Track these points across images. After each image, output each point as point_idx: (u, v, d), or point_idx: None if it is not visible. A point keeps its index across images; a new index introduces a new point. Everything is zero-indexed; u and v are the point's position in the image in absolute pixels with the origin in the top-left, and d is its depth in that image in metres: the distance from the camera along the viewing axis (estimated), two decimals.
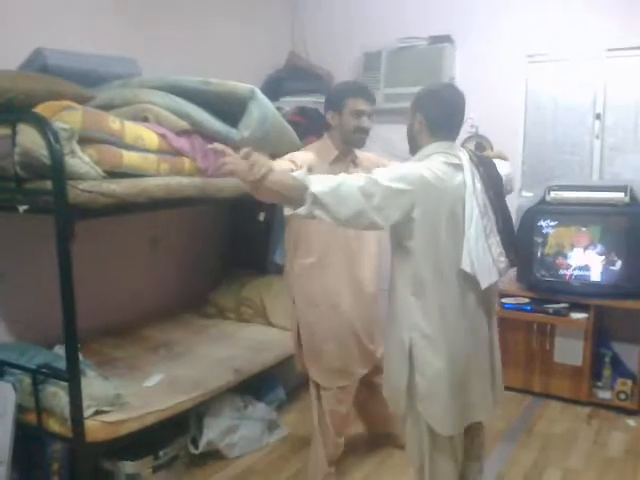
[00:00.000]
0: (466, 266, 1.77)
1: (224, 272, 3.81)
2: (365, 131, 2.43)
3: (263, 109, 2.72)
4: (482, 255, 1.79)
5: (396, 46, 4.01)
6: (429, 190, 1.76)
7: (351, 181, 1.73)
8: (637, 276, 3.27)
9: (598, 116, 3.61)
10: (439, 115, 1.88)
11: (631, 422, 3.22)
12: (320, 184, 1.69)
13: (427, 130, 1.89)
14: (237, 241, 3.92)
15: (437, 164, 1.82)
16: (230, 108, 2.67)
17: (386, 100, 3.94)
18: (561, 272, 3.44)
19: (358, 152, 2.55)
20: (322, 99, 4.04)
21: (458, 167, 1.83)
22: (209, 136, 2.60)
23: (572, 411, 3.32)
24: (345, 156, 2.47)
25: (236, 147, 2.70)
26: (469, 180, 1.80)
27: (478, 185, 1.83)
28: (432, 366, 1.82)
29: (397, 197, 1.72)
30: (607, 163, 3.65)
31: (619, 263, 3.30)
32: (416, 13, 4.01)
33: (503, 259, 1.85)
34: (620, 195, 3.33)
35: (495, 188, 1.89)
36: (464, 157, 1.85)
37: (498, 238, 1.84)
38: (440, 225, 1.79)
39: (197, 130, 2.56)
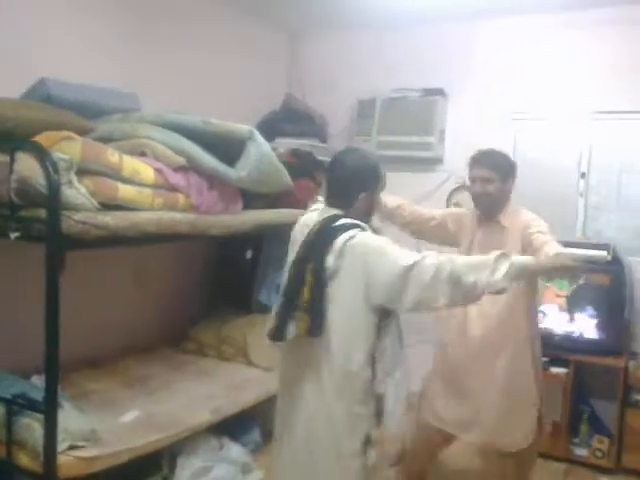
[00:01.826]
0: None
1: (207, 308, 3.78)
2: (478, 195, 2.51)
3: (260, 150, 2.78)
4: None
5: (390, 96, 4.12)
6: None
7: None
8: (617, 333, 3.33)
9: (583, 175, 3.73)
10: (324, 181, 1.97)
11: None
12: None
13: None
14: (222, 277, 3.89)
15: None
16: (228, 147, 2.72)
17: (379, 147, 4.02)
18: (542, 326, 3.47)
19: (513, 216, 2.51)
20: (315, 142, 4.16)
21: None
22: (206, 173, 2.64)
23: (549, 467, 3.29)
24: (487, 220, 2.54)
25: (233, 184, 2.79)
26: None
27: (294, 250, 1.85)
28: None
29: None
30: (590, 221, 3.76)
31: (600, 320, 3.35)
32: (411, 65, 4.13)
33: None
34: (603, 253, 3.39)
35: (305, 257, 1.77)
36: (308, 223, 1.87)
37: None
38: None
39: (193, 167, 2.59)
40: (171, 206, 2.48)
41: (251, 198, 3.03)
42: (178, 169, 2.52)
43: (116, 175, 2.26)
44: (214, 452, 2.80)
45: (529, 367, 2.48)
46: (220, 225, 2.67)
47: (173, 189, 2.50)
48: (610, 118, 3.66)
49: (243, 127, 2.69)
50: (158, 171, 2.45)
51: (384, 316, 1.77)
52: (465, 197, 3.99)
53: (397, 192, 3.90)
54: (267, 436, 3.27)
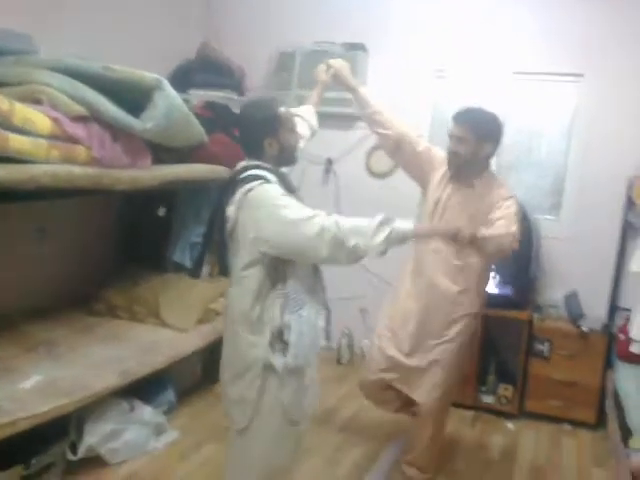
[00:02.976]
0: None
1: (118, 268, 3.61)
2: (449, 153, 2.44)
3: (169, 100, 2.62)
4: None
5: (311, 49, 4.01)
6: None
7: None
8: (523, 288, 3.50)
9: None
10: None
11: (510, 425, 3.42)
12: None
13: None
14: (134, 235, 3.72)
15: None
16: (134, 97, 2.55)
17: (299, 102, 3.89)
18: None
19: (490, 183, 2.47)
20: (232, 94, 4.00)
21: None
22: (108, 124, 2.47)
23: (458, 414, 3.44)
24: (455, 174, 2.47)
25: (140, 136, 2.63)
26: None
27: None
28: None
29: None
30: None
31: (507, 276, 3.48)
32: (333, 18, 4.04)
33: None
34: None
35: (216, 207, 1.98)
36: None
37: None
38: None
39: (95, 117, 2.41)
40: (70, 159, 2.30)
41: (162, 152, 2.88)
42: (77, 119, 2.34)
43: (6, 124, 2.05)
44: (125, 415, 2.72)
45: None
46: (126, 180, 2.52)
47: (72, 140, 2.31)
48: (528, 79, 3.74)
49: (150, 75, 2.52)
50: (55, 120, 2.26)
51: (286, 262, 1.87)
52: (383, 155, 4.01)
53: (318, 148, 3.91)
54: (182, 396, 3.24)
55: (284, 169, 2.00)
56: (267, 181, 1.85)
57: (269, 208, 1.78)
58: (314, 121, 2.51)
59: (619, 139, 3.52)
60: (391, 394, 2.81)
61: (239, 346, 1.91)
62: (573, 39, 3.55)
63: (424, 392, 2.60)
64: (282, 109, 1.97)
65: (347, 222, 1.77)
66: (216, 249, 1.96)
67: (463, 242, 2.09)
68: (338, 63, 2.63)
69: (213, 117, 3.46)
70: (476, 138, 2.36)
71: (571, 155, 3.70)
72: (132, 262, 3.63)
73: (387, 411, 2.98)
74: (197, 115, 3.07)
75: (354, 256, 1.78)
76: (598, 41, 3.50)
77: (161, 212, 3.36)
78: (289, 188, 1.92)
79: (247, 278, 1.85)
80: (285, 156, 1.98)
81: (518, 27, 3.66)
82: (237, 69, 4.14)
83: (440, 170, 2.55)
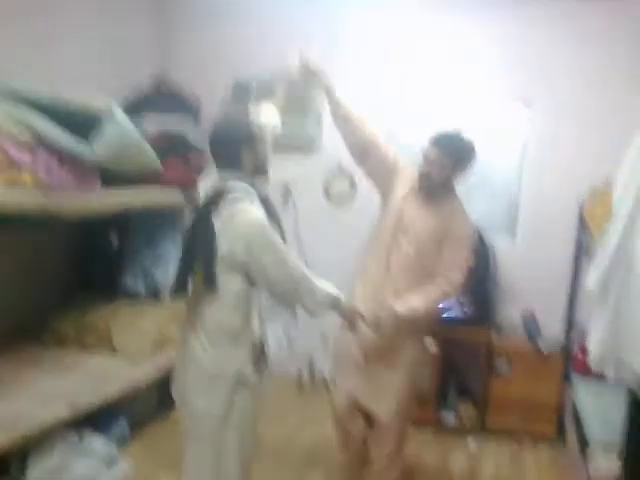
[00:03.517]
0: None
1: (67, 295, 3.49)
2: (422, 174, 2.43)
3: (120, 127, 2.62)
4: None
5: (267, 77, 4.05)
6: None
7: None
8: (482, 307, 3.55)
9: None
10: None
11: (472, 444, 3.42)
12: None
13: None
14: (85, 263, 3.63)
15: None
16: (85, 122, 2.53)
17: None
18: None
19: (456, 206, 2.48)
20: (187, 122, 3.98)
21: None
22: (57, 151, 2.44)
23: (419, 434, 3.38)
24: (423, 194, 2.46)
25: (89, 163, 2.59)
26: None
27: None
28: None
29: None
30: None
31: (467, 295, 3.50)
32: (290, 43, 4.06)
33: None
34: None
35: (199, 220, 1.97)
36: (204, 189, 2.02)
37: None
38: None
39: (41, 143, 2.38)
40: (15, 185, 2.26)
41: (113, 177, 2.84)
42: (23, 145, 2.31)
43: None
44: (72, 447, 2.60)
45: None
46: (74, 206, 2.48)
47: (17, 167, 2.28)
48: (478, 107, 3.82)
49: (100, 102, 2.50)
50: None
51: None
52: (341, 182, 4.06)
53: (276, 174, 3.91)
54: (136, 426, 3.14)
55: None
56: (249, 198, 1.90)
57: (259, 238, 1.86)
58: (277, 121, 2.50)
59: (571, 165, 3.63)
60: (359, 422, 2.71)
61: (211, 358, 1.91)
62: (522, 68, 3.68)
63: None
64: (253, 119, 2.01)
65: (318, 284, 1.98)
66: (202, 262, 1.89)
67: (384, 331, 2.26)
68: (315, 59, 2.54)
69: (166, 144, 3.43)
70: (452, 163, 2.37)
71: (524, 180, 3.80)
72: (83, 290, 3.54)
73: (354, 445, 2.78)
74: (152, 143, 3.04)
75: (301, 307, 1.99)
76: (546, 71, 3.64)
77: (114, 239, 3.30)
78: (272, 213, 1.97)
79: (226, 288, 1.89)
80: (259, 167, 2.02)
81: (472, 57, 3.77)
82: (193, 99, 4.14)
83: (406, 182, 2.52)
